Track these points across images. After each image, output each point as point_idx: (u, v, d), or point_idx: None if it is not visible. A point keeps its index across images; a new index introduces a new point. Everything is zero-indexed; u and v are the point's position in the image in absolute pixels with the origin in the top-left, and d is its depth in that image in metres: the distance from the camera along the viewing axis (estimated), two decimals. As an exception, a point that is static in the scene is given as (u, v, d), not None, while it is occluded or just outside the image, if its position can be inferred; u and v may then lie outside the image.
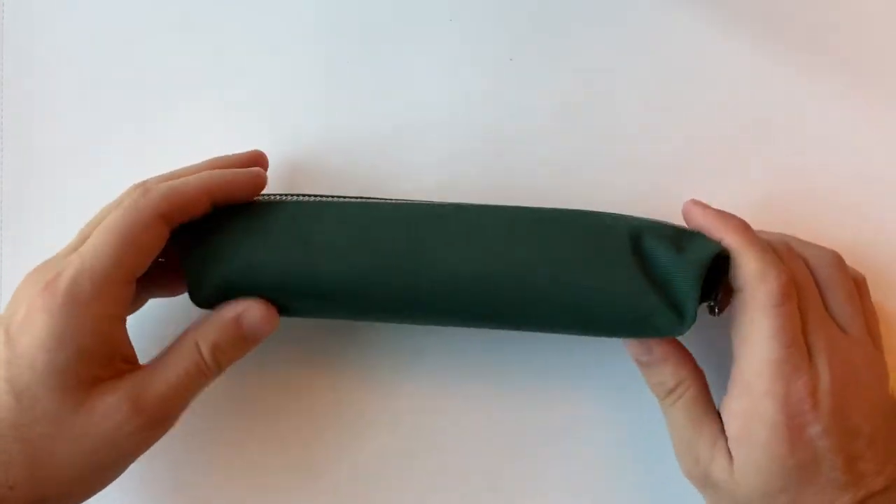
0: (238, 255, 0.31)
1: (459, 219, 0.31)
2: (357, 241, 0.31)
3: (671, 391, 0.32)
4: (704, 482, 0.31)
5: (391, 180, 0.37)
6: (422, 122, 0.38)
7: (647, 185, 0.37)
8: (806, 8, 0.38)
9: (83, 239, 0.31)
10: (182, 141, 0.38)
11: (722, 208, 0.34)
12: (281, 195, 0.34)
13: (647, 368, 0.33)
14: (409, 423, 0.37)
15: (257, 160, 0.36)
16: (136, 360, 0.31)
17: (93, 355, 0.29)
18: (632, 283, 0.30)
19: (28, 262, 0.38)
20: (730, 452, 0.30)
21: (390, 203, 0.33)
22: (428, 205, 0.32)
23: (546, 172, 0.35)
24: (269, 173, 0.35)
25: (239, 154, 0.36)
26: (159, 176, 0.33)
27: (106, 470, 0.30)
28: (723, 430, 0.31)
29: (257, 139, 0.38)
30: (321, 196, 0.34)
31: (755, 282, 0.30)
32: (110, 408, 0.29)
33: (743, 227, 0.32)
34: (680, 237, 0.31)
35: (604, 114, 0.38)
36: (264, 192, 0.34)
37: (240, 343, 0.32)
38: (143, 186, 0.31)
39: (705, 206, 0.33)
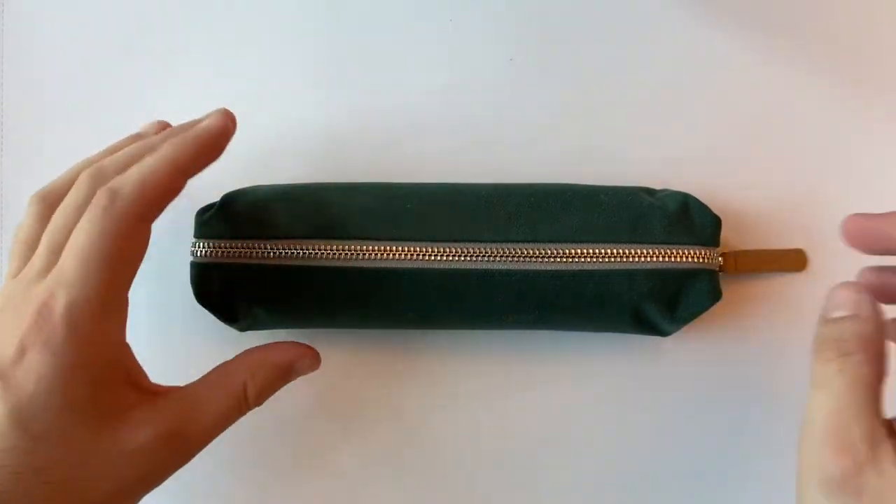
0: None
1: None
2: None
3: (848, 355, 0.25)
4: (843, 481, 0.24)
5: (389, 180, 0.37)
6: (421, 123, 0.38)
7: (647, 185, 0.37)
8: (807, 8, 0.38)
9: (51, 249, 0.28)
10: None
11: (721, 210, 0.34)
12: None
13: (834, 321, 0.27)
14: (408, 421, 0.37)
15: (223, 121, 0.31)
16: (149, 380, 0.30)
17: (107, 385, 0.27)
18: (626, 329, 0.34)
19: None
20: None
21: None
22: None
23: (545, 173, 0.35)
24: (267, 175, 0.36)
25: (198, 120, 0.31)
26: (110, 159, 0.29)
27: (141, 495, 0.29)
28: (891, 434, 0.25)
29: (253, 138, 0.38)
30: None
31: None
32: (146, 442, 0.27)
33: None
34: (678, 294, 0.33)
35: (603, 114, 0.38)
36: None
37: (283, 384, 0.32)
38: (108, 190, 0.27)
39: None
